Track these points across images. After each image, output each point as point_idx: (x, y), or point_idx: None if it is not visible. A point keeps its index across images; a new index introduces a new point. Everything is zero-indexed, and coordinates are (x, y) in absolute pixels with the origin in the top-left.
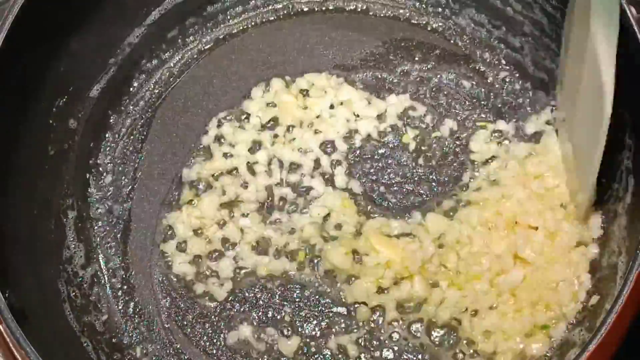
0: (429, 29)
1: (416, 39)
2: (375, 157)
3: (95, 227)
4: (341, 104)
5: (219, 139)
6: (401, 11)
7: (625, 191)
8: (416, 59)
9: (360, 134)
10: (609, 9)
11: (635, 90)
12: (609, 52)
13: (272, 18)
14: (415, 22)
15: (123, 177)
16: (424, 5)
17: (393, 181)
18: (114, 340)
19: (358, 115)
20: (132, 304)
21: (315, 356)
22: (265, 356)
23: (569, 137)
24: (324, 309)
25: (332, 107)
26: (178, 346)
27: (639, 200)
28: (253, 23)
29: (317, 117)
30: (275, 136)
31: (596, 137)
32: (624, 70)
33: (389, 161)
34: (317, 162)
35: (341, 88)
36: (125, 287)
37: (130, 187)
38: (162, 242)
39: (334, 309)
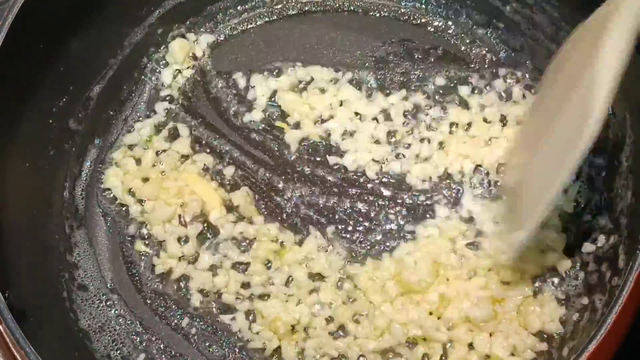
0: (429, 29)
1: (416, 39)
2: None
3: (96, 227)
4: (341, 104)
5: None
6: (401, 11)
7: (625, 191)
8: (416, 59)
9: (360, 134)
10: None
11: (636, 90)
12: (610, 79)
13: (272, 18)
14: (415, 22)
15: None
16: (424, 6)
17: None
18: (114, 341)
19: (358, 115)
20: (130, 303)
21: None
22: None
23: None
24: None
25: (331, 107)
26: (177, 348)
27: (638, 200)
28: (253, 23)
29: (318, 116)
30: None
31: (564, 164)
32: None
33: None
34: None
35: (341, 88)
36: (124, 287)
37: (130, 187)
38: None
39: None
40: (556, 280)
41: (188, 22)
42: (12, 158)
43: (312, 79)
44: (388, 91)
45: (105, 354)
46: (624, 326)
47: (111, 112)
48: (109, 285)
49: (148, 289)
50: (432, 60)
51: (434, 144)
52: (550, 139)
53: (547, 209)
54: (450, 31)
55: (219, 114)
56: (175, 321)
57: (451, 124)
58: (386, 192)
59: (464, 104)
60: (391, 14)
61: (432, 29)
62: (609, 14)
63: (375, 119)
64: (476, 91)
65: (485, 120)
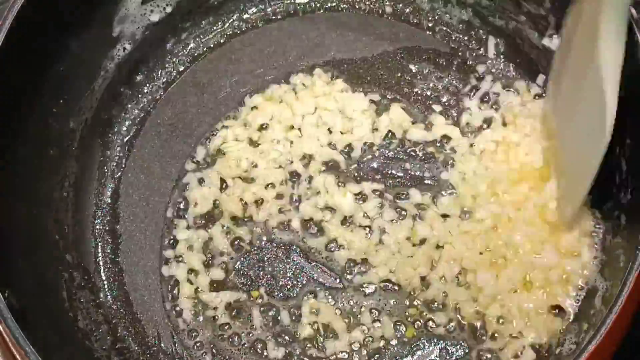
0: (429, 30)
1: (417, 39)
2: (375, 156)
3: (95, 228)
4: (341, 104)
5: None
6: (401, 11)
7: (624, 191)
8: (416, 59)
9: (359, 133)
10: (617, 26)
11: (634, 91)
12: (615, 72)
13: (272, 18)
14: (415, 22)
15: (123, 177)
16: (425, 7)
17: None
18: (114, 340)
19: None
20: (130, 303)
21: None
22: None
23: (561, 142)
24: None
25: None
26: (175, 348)
27: (638, 200)
28: (253, 23)
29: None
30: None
31: (592, 157)
32: (624, 70)
33: (391, 161)
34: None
35: (341, 90)
36: (123, 287)
37: (130, 187)
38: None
39: None
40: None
41: (188, 24)
42: (13, 158)
43: (312, 79)
44: (388, 91)
45: (104, 354)
46: (624, 326)
47: (112, 112)
48: (108, 285)
49: (148, 289)
50: (432, 60)
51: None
52: (577, 114)
53: (585, 192)
54: (450, 32)
55: (219, 114)
56: (175, 321)
57: (451, 125)
58: (379, 186)
59: (464, 104)
60: (391, 14)
61: (432, 30)
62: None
63: (373, 119)
64: (476, 91)
65: (485, 121)
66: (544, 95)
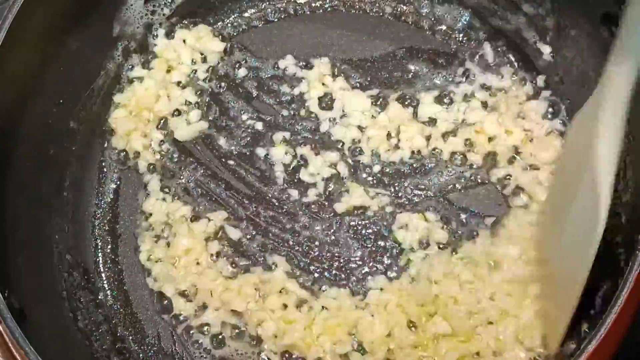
0: (429, 30)
1: (417, 39)
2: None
3: (95, 228)
4: (342, 105)
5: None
6: (401, 12)
7: (625, 191)
8: (416, 59)
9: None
10: (615, 124)
11: (635, 91)
12: (609, 174)
13: (272, 18)
14: (415, 22)
15: (123, 177)
16: (424, 7)
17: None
18: (114, 340)
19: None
20: (130, 303)
21: None
22: None
23: (552, 260)
24: None
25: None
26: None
27: (638, 199)
28: (253, 23)
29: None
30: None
31: (578, 271)
32: None
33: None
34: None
35: (341, 86)
36: (123, 287)
37: (130, 187)
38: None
39: None
40: None
41: (187, 22)
42: (13, 158)
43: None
44: (388, 91)
45: (104, 354)
46: (624, 326)
47: (111, 112)
48: (108, 285)
49: (148, 289)
50: (432, 60)
51: (433, 143)
52: (568, 224)
53: (573, 307)
54: (450, 32)
55: (222, 112)
56: (175, 321)
57: (451, 125)
58: (386, 191)
59: (463, 104)
60: (391, 14)
61: (432, 30)
62: (598, 106)
63: (373, 117)
64: (475, 92)
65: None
66: (541, 95)
